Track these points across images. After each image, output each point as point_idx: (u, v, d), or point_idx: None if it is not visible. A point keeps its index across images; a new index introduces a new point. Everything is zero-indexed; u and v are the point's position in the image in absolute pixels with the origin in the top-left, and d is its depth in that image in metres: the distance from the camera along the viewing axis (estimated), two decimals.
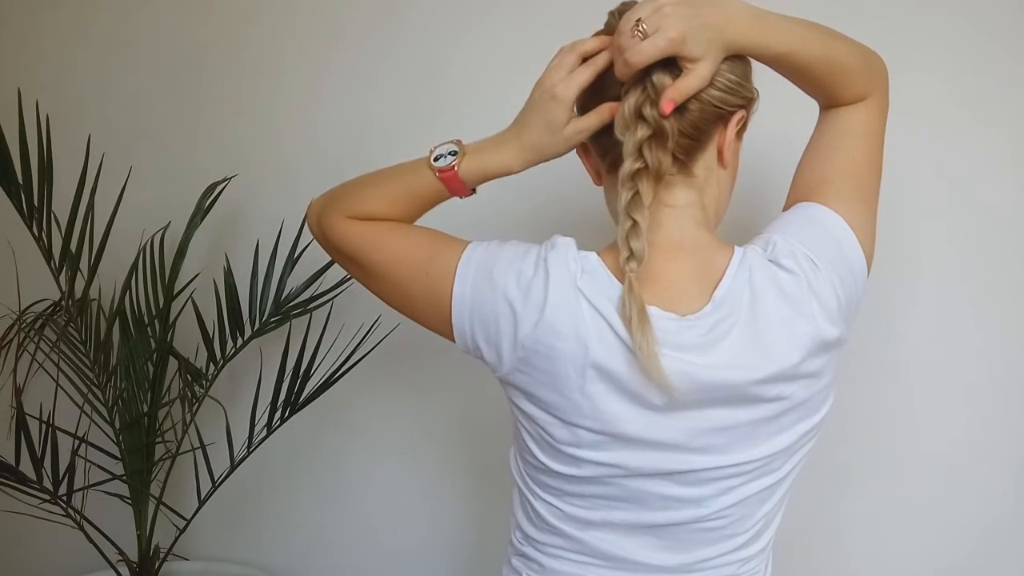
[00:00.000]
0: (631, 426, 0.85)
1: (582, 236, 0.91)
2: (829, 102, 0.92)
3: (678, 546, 0.91)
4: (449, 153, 0.91)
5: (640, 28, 0.79)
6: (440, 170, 0.91)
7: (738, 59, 0.85)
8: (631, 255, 0.82)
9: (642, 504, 0.89)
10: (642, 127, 0.82)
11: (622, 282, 0.83)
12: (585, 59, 0.87)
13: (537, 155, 0.90)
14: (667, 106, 0.80)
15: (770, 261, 0.85)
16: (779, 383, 0.83)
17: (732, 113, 0.86)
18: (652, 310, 0.83)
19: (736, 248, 0.87)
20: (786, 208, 0.94)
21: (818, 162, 0.92)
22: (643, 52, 0.79)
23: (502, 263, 0.87)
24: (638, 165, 0.82)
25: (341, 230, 0.95)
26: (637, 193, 0.82)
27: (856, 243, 0.87)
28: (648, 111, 0.81)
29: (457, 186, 0.92)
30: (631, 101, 0.82)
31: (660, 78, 0.81)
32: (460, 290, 0.88)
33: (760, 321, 0.82)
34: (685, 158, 0.86)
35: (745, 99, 0.87)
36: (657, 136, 0.82)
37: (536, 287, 0.84)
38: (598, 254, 0.87)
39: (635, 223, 0.82)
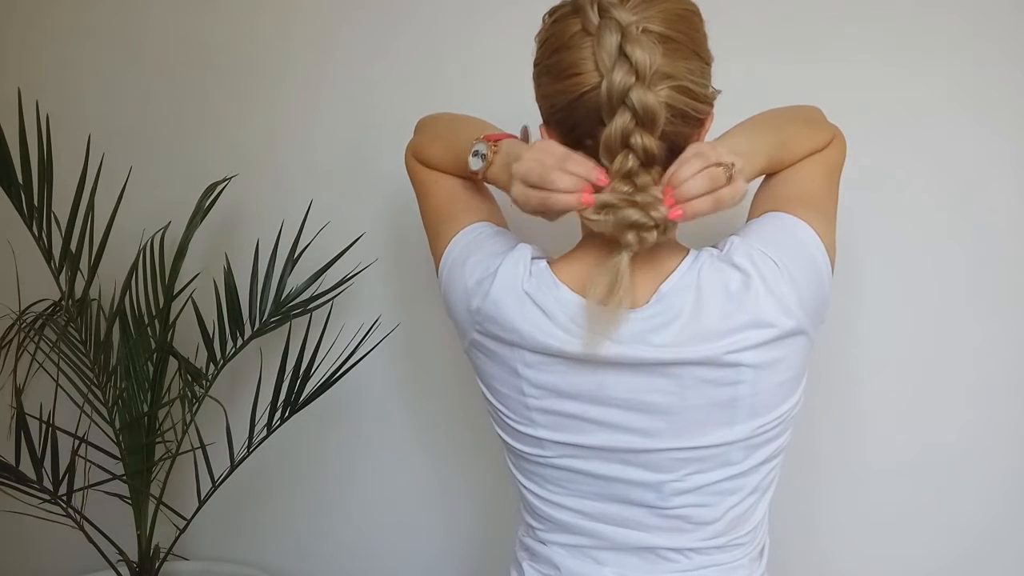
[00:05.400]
0: (575, 401, 0.90)
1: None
2: None
3: (648, 538, 0.94)
4: (481, 156, 0.97)
5: (731, 169, 0.82)
6: (471, 170, 0.99)
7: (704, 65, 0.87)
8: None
9: (606, 490, 0.93)
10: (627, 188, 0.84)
11: (569, 287, 0.88)
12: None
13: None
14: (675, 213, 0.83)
15: (721, 260, 0.88)
16: (721, 368, 0.86)
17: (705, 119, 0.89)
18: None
19: (691, 251, 0.91)
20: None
21: (778, 186, 0.98)
22: (737, 195, 0.83)
23: (476, 255, 0.95)
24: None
25: (409, 166, 1.11)
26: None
27: (820, 244, 0.91)
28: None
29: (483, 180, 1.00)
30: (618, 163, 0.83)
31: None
32: (444, 260, 0.99)
33: (702, 315, 0.86)
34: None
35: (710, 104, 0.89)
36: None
37: (486, 284, 0.91)
38: (549, 262, 0.92)
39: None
